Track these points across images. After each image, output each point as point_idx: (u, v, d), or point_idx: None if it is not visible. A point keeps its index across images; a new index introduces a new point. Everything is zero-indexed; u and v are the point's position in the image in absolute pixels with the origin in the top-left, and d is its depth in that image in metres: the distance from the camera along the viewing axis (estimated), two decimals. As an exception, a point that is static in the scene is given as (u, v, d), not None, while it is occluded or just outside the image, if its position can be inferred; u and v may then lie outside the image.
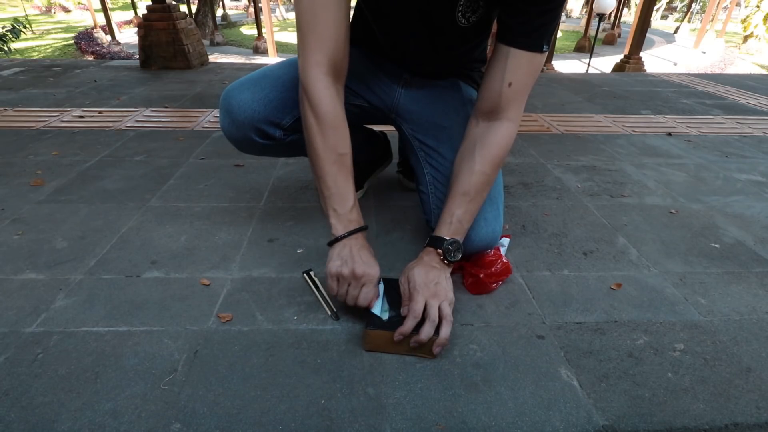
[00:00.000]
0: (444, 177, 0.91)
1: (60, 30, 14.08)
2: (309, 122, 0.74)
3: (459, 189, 0.80)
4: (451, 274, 0.81)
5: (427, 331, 0.69)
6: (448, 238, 0.78)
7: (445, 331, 0.70)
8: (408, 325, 0.70)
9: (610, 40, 12.58)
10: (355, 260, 0.73)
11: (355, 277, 0.73)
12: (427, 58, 0.92)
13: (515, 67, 0.75)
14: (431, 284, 0.74)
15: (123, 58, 7.64)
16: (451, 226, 0.79)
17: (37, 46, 10.74)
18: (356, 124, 1.09)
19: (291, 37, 13.28)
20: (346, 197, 0.76)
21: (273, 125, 0.88)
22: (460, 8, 0.77)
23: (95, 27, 11.61)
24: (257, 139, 0.89)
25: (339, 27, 0.71)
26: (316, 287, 0.87)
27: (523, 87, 0.77)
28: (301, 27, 0.71)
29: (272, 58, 9.42)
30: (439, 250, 0.78)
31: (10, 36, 5.85)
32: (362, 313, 0.77)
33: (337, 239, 0.76)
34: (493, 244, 0.90)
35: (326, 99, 0.73)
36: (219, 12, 15.37)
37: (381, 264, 0.76)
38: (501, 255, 0.90)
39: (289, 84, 0.88)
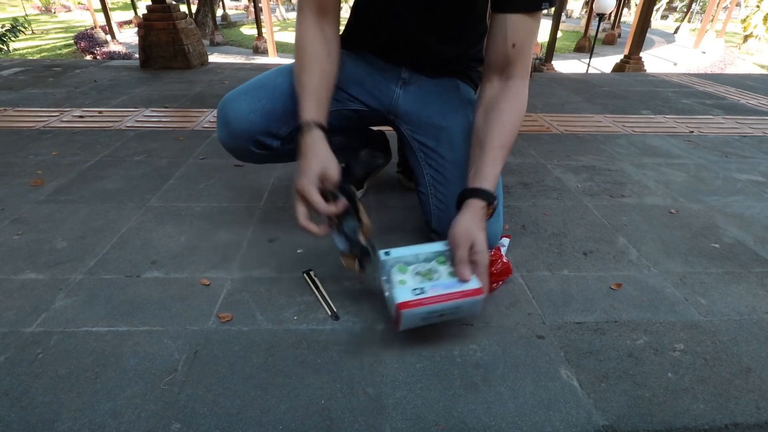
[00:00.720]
0: (444, 178, 0.90)
1: (60, 30, 14.09)
2: (296, 56, 0.83)
3: (495, 142, 0.79)
4: None
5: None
6: (493, 193, 0.76)
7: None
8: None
9: (610, 40, 12.58)
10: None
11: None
12: (426, 37, 0.91)
13: (516, 30, 0.78)
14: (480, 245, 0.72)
15: (123, 58, 7.64)
16: (493, 182, 0.77)
17: (37, 46, 10.74)
18: (356, 127, 1.09)
19: (291, 37, 13.26)
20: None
21: (270, 136, 0.89)
22: None
23: (95, 27, 11.61)
24: (254, 149, 0.90)
25: None
26: (316, 287, 0.87)
27: (527, 45, 0.80)
28: None
29: (272, 58, 9.42)
30: (491, 205, 0.75)
31: (10, 36, 5.86)
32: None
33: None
34: (493, 245, 0.90)
35: (303, 34, 0.82)
36: (219, 12, 15.37)
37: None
38: (501, 255, 0.90)
39: (287, 93, 0.88)
